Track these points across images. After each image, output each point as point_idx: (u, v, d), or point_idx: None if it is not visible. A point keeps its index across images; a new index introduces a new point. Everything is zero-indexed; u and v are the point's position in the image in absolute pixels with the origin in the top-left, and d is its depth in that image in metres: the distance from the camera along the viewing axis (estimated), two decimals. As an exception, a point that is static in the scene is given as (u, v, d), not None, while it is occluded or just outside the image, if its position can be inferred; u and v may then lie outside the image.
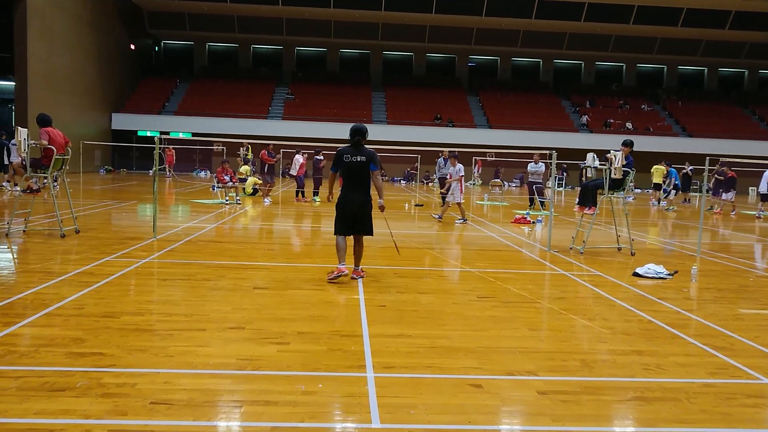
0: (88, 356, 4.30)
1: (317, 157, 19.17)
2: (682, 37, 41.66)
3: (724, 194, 20.35)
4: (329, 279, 7.13)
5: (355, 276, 7.33)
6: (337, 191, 7.40)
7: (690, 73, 47.12)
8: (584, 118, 40.97)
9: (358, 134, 7.12)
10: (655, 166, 23.78)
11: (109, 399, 3.59)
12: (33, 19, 27.44)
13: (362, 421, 3.46)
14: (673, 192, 22.49)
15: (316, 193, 19.24)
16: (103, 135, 35.80)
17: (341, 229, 7.25)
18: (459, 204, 14.34)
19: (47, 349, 4.41)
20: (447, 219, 14.74)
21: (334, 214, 7.34)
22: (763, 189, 18.91)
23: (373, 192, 7.30)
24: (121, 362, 4.21)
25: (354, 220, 7.21)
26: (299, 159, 18.58)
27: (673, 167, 22.88)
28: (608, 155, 10.14)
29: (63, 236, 9.57)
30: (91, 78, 34.19)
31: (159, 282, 6.93)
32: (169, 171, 30.62)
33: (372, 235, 7.36)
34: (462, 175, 14.31)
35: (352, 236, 7.40)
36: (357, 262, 7.45)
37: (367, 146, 7.23)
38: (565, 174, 33.75)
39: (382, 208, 7.44)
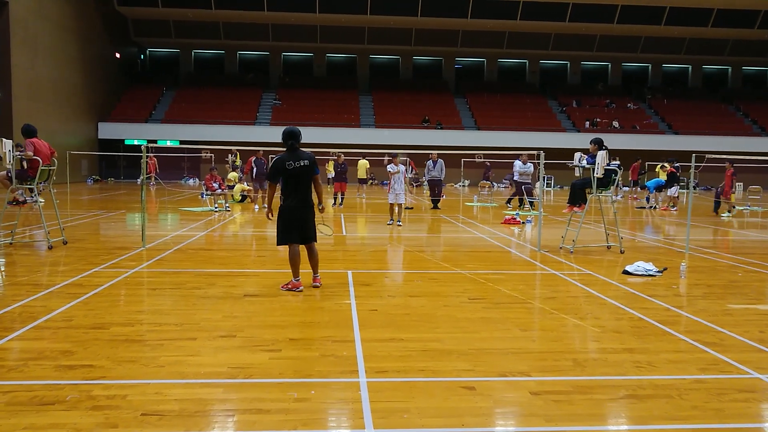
0: (77, 369, 4.25)
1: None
2: (666, 35, 42.05)
3: (669, 190, 20.57)
4: (282, 288, 6.94)
5: (316, 284, 7.03)
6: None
7: (674, 71, 47.55)
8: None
9: (292, 138, 6.82)
10: (660, 165, 23.94)
11: (100, 411, 3.55)
12: (16, 28, 27.24)
13: (356, 426, 3.45)
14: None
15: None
16: (90, 144, 35.57)
17: (292, 237, 6.87)
18: (400, 205, 14.07)
19: (36, 362, 4.37)
20: (435, 219, 14.73)
21: (277, 225, 6.99)
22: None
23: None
24: (111, 374, 4.17)
25: (303, 228, 6.91)
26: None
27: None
28: (576, 154, 10.26)
29: (50, 247, 9.49)
30: (77, 87, 33.98)
31: (148, 292, 6.88)
32: (153, 179, 30.43)
33: (316, 240, 7.13)
34: (407, 176, 14.30)
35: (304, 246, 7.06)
36: (316, 270, 7.12)
37: (303, 149, 6.94)
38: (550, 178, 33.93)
39: (322, 210, 7.17)
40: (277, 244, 7.00)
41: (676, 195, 20.50)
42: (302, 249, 7.06)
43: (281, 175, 6.81)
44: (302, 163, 6.79)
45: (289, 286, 6.93)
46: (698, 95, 45.80)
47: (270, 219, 7.24)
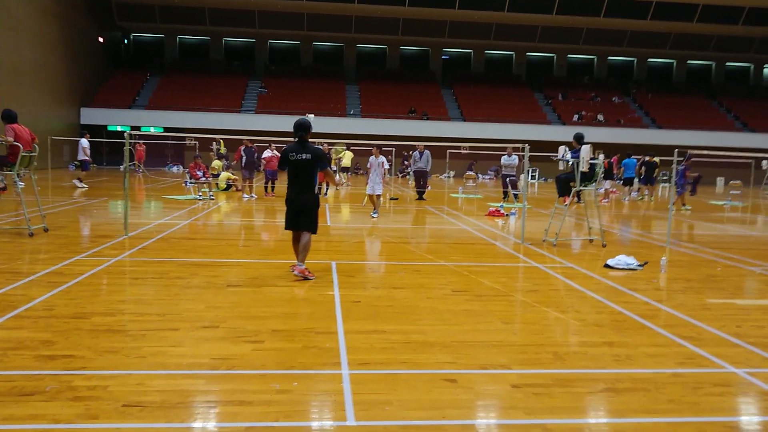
0: (58, 359, 4.23)
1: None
2: (651, 30, 42.30)
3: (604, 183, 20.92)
4: (297, 273, 7.06)
5: (296, 272, 7.01)
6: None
7: (659, 65, 47.88)
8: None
9: (301, 130, 7.07)
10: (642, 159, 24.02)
11: (80, 402, 3.54)
12: (-3, 11, 26.74)
13: (338, 418, 3.47)
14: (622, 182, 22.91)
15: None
16: (72, 130, 35.07)
17: (288, 224, 7.22)
18: (378, 196, 14.12)
19: (15, 352, 4.33)
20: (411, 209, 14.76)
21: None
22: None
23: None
24: (92, 364, 4.15)
25: (298, 216, 7.13)
26: (267, 153, 18.46)
27: (635, 158, 22.82)
28: (561, 147, 10.37)
29: (31, 235, 9.38)
30: (59, 72, 33.45)
31: (131, 281, 6.84)
32: (139, 167, 30.13)
33: (314, 232, 7.19)
34: (387, 168, 14.35)
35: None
36: (301, 258, 7.12)
37: (312, 143, 7.15)
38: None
39: (338, 184, 7.60)
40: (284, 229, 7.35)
41: (609, 188, 21.25)
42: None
43: (286, 164, 7.14)
44: (304, 156, 7.02)
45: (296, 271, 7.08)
46: (682, 90, 46.17)
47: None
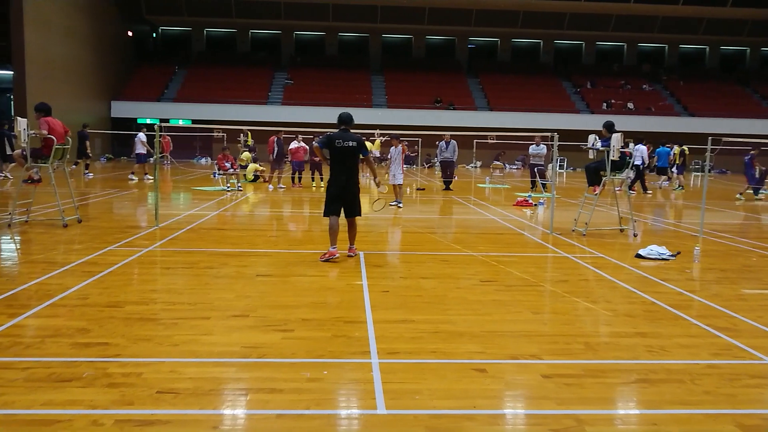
0: (93, 346, 4.31)
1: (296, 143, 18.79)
2: (683, 15, 41.29)
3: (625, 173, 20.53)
4: (321, 259, 7.44)
5: (351, 254, 7.71)
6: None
7: (691, 51, 46.77)
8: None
9: (344, 123, 7.59)
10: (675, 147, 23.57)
11: (116, 389, 3.60)
12: (29, 6, 27.24)
13: (368, 407, 3.48)
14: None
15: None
16: (103, 123, 35.67)
17: (335, 209, 7.54)
18: (399, 186, 14.07)
19: (52, 339, 4.43)
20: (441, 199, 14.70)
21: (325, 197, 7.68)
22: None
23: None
24: (127, 352, 4.23)
25: (345, 202, 7.58)
26: (294, 144, 18.47)
27: (666, 146, 22.37)
28: (590, 136, 10.20)
29: (65, 226, 9.57)
30: (89, 66, 34.01)
31: (162, 271, 6.94)
32: (167, 158, 30.48)
33: (360, 215, 7.81)
34: (403, 155, 14.27)
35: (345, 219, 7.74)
36: (352, 241, 7.82)
37: (353, 132, 7.63)
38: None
39: (378, 184, 7.98)
40: (323, 215, 7.65)
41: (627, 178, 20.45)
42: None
43: (328, 148, 7.49)
44: (349, 144, 7.45)
45: (327, 256, 7.43)
46: (715, 77, 45.05)
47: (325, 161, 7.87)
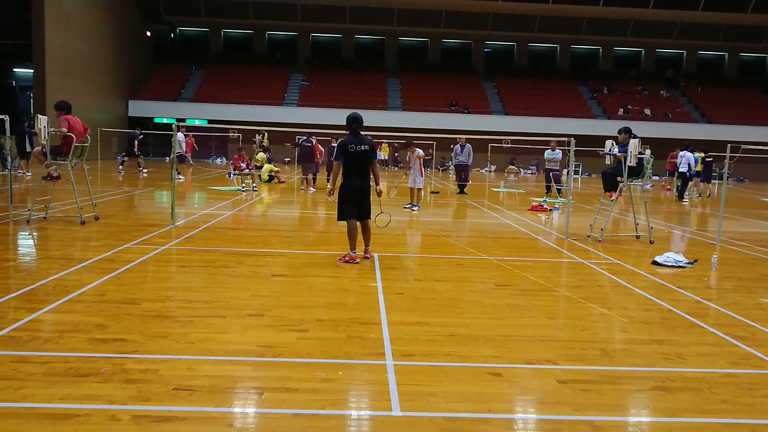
0: (110, 342, 4.35)
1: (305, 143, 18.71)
2: (702, 21, 40.93)
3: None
4: (339, 260, 7.53)
5: (367, 256, 7.76)
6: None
7: (710, 58, 46.34)
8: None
9: (355, 123, 7.52)
10: (696, 153, 23.32)
11: (133, 385, 3.63)
12: (50, 5, 27.56)
13: (383, 408, 3.48)
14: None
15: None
16: (120, 122, 36.01)
17: (351, 213, 7.56)
18: (419, 190, 14.04)
19: (70, 334, 4.48)
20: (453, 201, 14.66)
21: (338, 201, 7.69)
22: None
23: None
24: (144, 348, 4.26)
25: (360, 205, 7.60)
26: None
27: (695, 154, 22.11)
28: (608, 142, 10.12)
29: (83, 223, 9.67)
30: (108, 64, 34.36)
31: (178, 269, 6.99)
32: (188, 159, 30.71)
33: (370, 218, 7.86)
34: (423, 159, 14.26)
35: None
36: (367, 243, 7.88)
37: (364, 134, 7.62)
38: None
39: (380, 193, 7.87)
40: (338, 219, 7.74)
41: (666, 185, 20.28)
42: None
43: (344, 156, 7.46)
44: (363, 147, 7.44)
45: (347, 258, 7.52)
46: (734, 83, 44.58)
47: (330, 198, 8.03)
